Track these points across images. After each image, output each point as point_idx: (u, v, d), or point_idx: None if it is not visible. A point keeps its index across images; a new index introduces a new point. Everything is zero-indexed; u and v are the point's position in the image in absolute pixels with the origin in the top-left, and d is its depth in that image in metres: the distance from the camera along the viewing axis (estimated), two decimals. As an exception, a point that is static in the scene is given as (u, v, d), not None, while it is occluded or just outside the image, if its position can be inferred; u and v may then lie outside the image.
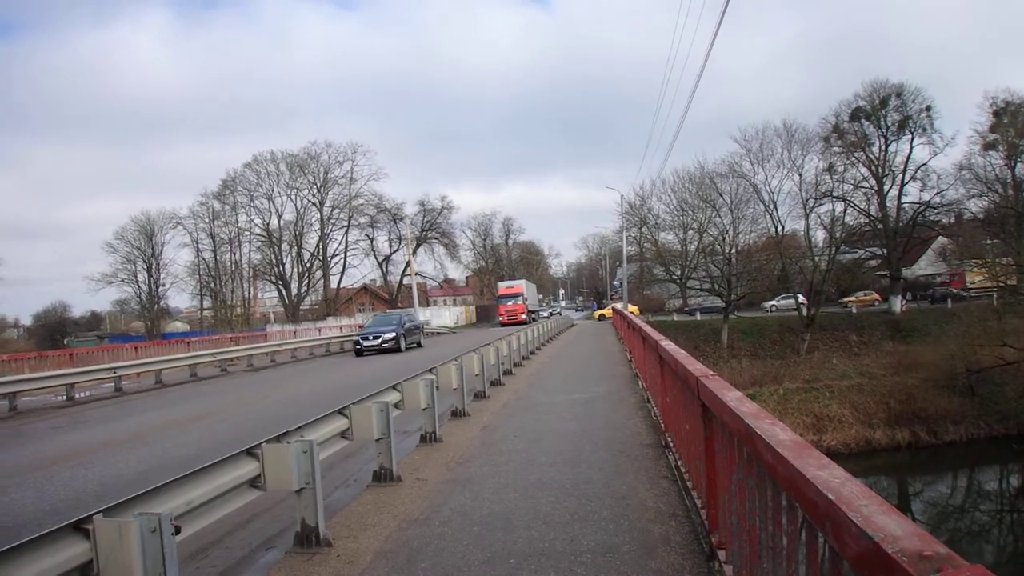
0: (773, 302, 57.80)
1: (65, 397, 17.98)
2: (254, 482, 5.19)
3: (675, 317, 58.23)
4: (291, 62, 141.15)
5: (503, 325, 56.81)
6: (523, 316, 59.48)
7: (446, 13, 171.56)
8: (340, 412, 6.95)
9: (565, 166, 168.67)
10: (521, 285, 65.24)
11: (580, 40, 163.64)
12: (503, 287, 67.29)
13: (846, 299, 52.23)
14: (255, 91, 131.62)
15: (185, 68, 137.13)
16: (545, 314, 70.64)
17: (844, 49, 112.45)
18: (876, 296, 57.40)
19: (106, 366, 20.69)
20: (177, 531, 3.75)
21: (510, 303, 62.29)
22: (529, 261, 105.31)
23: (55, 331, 77.59)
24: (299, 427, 5.96)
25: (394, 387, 8.79)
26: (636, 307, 56.20)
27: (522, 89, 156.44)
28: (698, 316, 57.74)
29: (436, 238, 77.02)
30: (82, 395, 18.65)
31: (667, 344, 7.36)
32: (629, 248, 60.83)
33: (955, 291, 56.79)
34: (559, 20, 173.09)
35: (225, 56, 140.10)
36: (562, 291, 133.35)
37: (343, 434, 6.92)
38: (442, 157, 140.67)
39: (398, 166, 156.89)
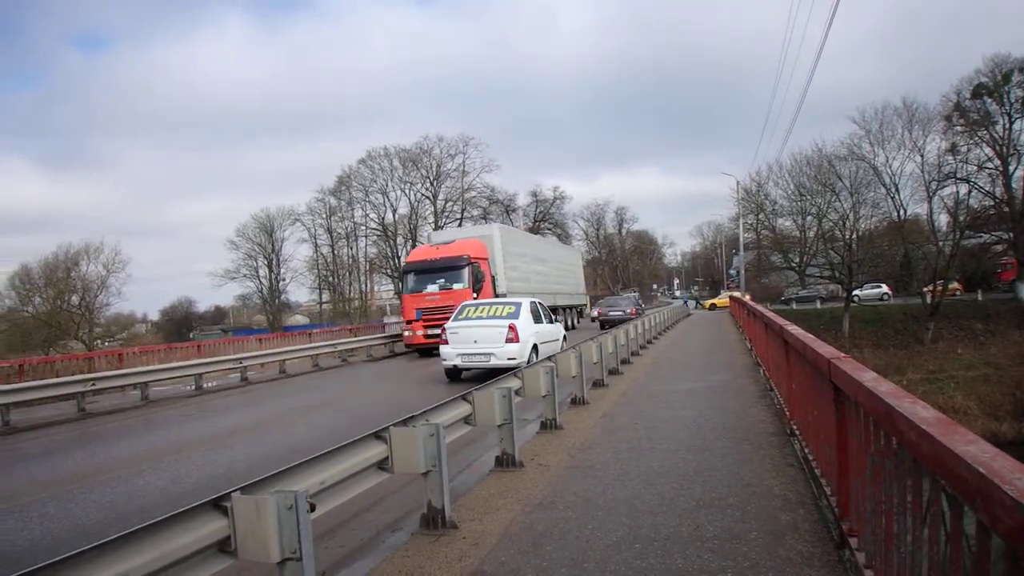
0: (857, 292, 54.14)
1: (194, 387, 18.64)
2: (382, 464, 5.33)
3: (794, 306, 56.31)
4: (374, 59, 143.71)
5: (407, 346, 25.45)
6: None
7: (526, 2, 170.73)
8: (463, 398, 7.09)
9: (663, 154, 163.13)
10: (472, 241, 26.46)
11: (675, 25, 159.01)
12: (418, 250, 30.49)
13: (925, 289, 49.28)
14: (337, 92, 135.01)
15: (269, 70, 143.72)
16: (592, 312, 43.15)
17: (959, 24, 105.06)
18: (958, 286, 53.91)
19: (232, 357, 21.30)
20: (312, 509, 3.87)
21: (428, 289, 24.61)
22: (643, 251, 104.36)
23: (181, 325, 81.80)
24: (424, 411, 6.12)
25: (515, 374, 8.90)
26: (750, 295, 54.63)
27: (612, 76, 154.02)
28: (818, 304, 55.83)
29: (549, 228, 77.00)
30: (210, 385, 19.35)
31: (793, 328, 7.19)
32: (745, 236, 59.26)
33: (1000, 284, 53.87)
34: (655, 4, 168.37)
35: (306, 57, 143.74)
36: (676, 280, 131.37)
37: (466, 420, 7.04)
38: (532, 149, 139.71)
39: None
